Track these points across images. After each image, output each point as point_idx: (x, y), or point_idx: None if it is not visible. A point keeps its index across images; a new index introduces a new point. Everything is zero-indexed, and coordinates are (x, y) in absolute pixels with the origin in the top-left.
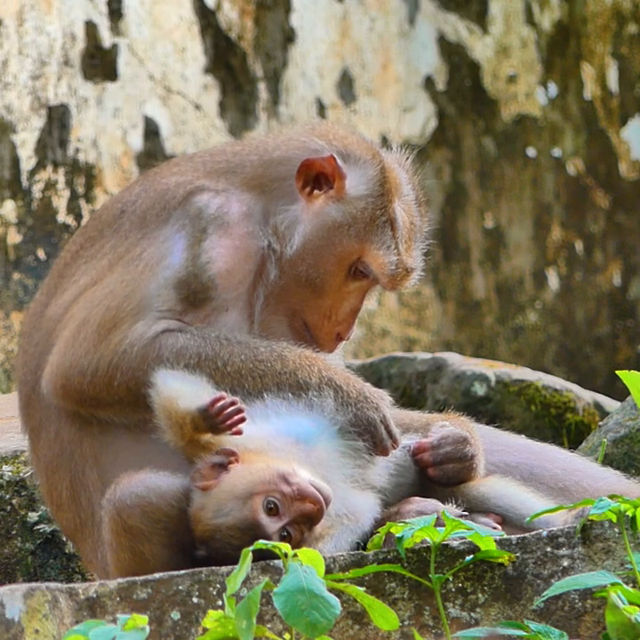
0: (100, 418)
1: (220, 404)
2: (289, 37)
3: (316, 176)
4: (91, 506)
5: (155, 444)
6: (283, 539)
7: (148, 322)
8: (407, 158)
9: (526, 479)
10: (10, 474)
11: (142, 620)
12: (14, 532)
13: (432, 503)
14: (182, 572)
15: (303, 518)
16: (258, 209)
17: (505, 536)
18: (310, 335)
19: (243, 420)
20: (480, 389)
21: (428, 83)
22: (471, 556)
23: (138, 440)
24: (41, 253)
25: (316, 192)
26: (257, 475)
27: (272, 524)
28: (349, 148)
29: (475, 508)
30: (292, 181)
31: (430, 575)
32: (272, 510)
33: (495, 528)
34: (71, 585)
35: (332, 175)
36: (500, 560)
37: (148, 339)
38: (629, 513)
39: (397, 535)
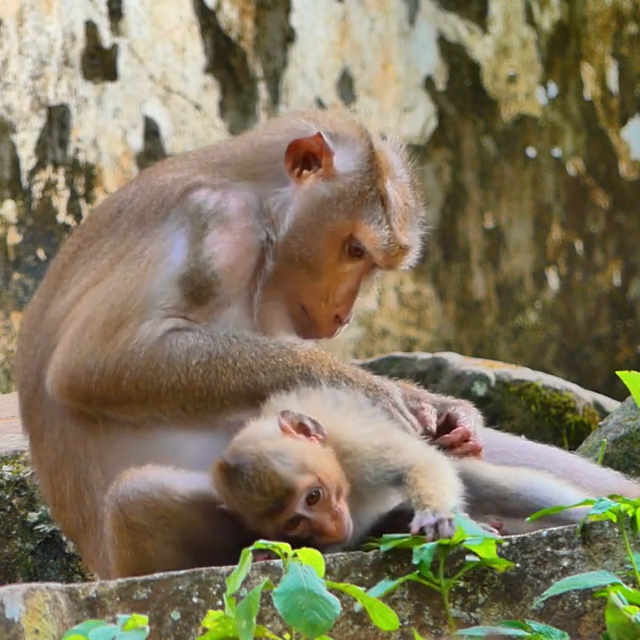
0: (105, 416)
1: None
2: (289, 37)
3: (305, 156)
4: (94, 505)
5: (159, 442)
6: (290, 523)
7: (154, 321)
8: (402, 145)
9: None
10: (10, 474)
11: (142, 619)
12: (14, 532)
13: None
14: (182, 571)
15: (318, 529)
16: (254, 201)
17: (504, 539)
18: (309, 319)
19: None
20: (480, 389)
21: (428, 83)
22: (471, 556)
23: (142, 438)
24: (41, 253)
25: (305, 172)
26: (328, 467)
27: (299, 506)
28: (337, 128)
29: (509, 500)
30: (282, 163)
31: (438, 581)
32: (312, 498)
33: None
34: (71, 585)
35: (319, 153)
36: (496, 566)
37: (157, 338)
38: (629, 513)
39: (415, 562)
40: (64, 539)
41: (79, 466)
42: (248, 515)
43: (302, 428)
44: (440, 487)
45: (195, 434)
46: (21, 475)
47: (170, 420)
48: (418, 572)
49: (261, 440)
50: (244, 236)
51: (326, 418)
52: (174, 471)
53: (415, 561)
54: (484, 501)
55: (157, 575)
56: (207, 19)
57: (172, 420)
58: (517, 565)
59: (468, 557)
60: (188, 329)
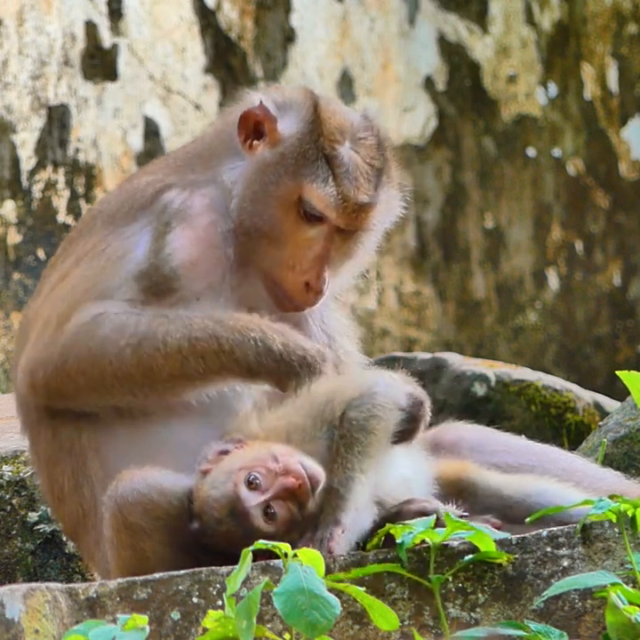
0: (75, 411)
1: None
2: (289, 37)
3: (255, 127)
4: (93, 496)
5: (155, 432)
6: (268, 516)
7: (102, 305)
8: (375, 112)
9: None
10: (10, 474)
11: (142, 619)
12: (14, 532)
13: (432, 503)
14: (182, 572)
15: (287, 494)
16: (219, 192)
17: (505, 536)
18: (280, 291)
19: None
20: (480, 389)
21: (428, 83)
22: (471, 555)
23: (137, 428)
24: (41, 253)
25: (255, 143)
26: (250, 453)
27: (252, 498)
28: (286, 96)
29: (514, 508)
30: (237, 139)
31: (430, 576)
32: (253, 485)
33: None
34: (71, 585)
35: (264, 121)
36: (499, 561)
37: (95, 317)
38: (629, 513)
39: (398, 541)
40: (64, 539)
41: (76, 458)
42: (240, 543)
43: (222, 453)
44: (357, 464)
45: (191, 422)
46: (21, 475)
47: (127, 407)
48: (401, 564)
49: (197, 489)
50: (208, 231)
51: (255, 420)
52: (174, 473)
53: (399, 547)
54: (489, 511)
55: (157, 575)
56: (207, 19)
57: (131, 408)
58: (517, 565)
59: (468, 558)
60: (124, 312)
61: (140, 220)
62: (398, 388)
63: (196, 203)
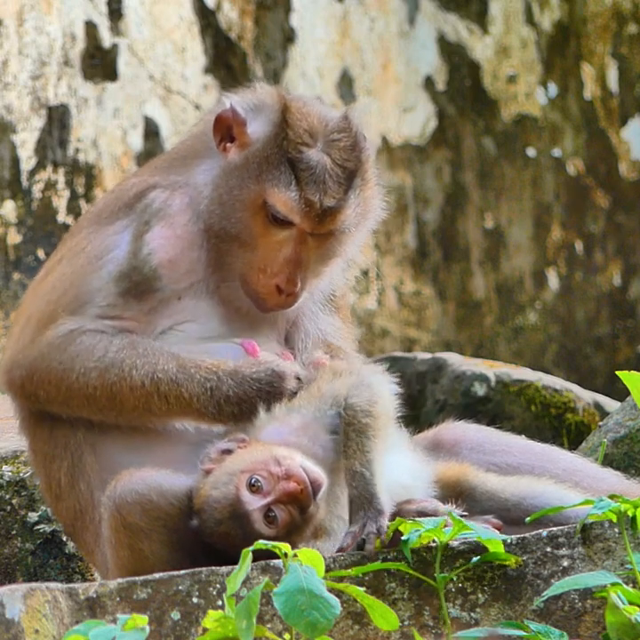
0: (53, 414)
1: None
2: (289, 37)
3: (228, 130)
4: (90, 491)
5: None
6: (268, 519)
7: (82, 319)
8: (361, 112)
9: None
10: (10, 474)
11: (142, 620)
12: (14, 532)
13: (432, 503)
14: (182, 572)
15: (288, 498)
16: (196, 191)
17: (504, 537)
18: (252, 293)
19: None
20: (480, 389)
21: (428, 83)
22: (474, 556)
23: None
24: (41, 253)
25: (228, 145)
26: (253, 455)
27: (254, 501)
28: (259, 98)
29: (511, 510)
30: (214, 141)
31: (435, 574)
32: (255, 488)
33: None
34: (71, 585)
35: (234, 124)
36: (506, 563)
37: (72, 331)
38: (629, 513)
39: (403, 538)
40: (64, 539)
41: (72, 454)
42: (240, 544)
43: (225, 453)
44: (373, 446)
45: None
46: (21, 475)
47: (101, 424)
48: (406, 562)
49: (198, 487)
50: (186, 229)
51: (258, 422)
52: (173, 473)
53: (404, 543)
54: (488, 513)
55: (157, 575)
56: (207, 19)
57: (104, 424)
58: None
59: (475, 559)
60: (98, 331)
61: (123, 219)
62: (386, 380)
63: (176, 202)
